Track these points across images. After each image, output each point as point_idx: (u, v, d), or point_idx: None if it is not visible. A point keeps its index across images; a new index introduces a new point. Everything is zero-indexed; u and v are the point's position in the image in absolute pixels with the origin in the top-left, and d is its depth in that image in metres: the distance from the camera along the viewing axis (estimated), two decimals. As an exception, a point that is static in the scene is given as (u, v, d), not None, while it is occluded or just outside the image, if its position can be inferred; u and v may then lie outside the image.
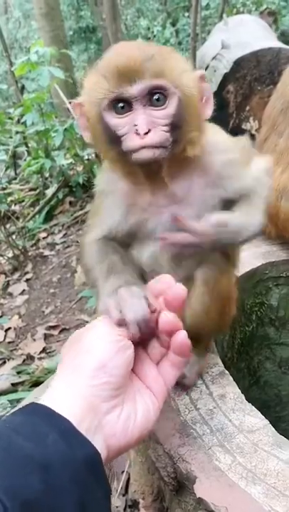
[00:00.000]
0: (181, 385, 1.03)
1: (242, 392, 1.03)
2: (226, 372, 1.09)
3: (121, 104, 0.85)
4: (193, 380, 1.04)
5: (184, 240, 0.91)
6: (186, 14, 10.66)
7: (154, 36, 9.45)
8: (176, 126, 0.85)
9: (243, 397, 1.02)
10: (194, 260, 1.00)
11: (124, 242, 1.01)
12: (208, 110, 0.92)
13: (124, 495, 1.73)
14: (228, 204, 0.98)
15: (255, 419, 0.96)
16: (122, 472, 1.73)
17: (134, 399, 0.79)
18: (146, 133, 0.83)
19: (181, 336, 0.80)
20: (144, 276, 1.01)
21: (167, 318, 0.79)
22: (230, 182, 0.97)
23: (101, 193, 1.03)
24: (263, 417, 0.97)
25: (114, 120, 0.85)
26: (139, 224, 0.99)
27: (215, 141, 0.97)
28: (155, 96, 0.84)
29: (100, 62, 0.88)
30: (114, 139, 0.85)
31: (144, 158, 0.84)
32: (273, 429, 0.94)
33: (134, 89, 0.83)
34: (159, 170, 0.90)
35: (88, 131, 0.92)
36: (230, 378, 1.07)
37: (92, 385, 0.73)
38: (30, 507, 0.59)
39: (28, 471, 0.62)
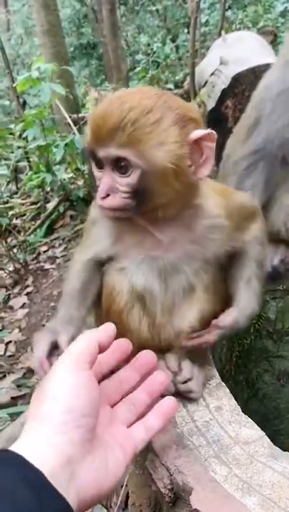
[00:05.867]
0: (189, 399, 1.04)
1: (241, 405, 1.04)
2: (223, 384, 1.10)
3: (97, 160, 0.91)
4: (200, 392, 1.05)
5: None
6: (186, 30, 10.78)
7: (154, 52, 9.54)
8: (139, 194, 0.88)
9: (240, 409, 1.02)
10: (185, 275, 1.03)
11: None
12: (204, 170, 0.91)
13: (123, 509, 1.72)
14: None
15: (251, 430, 0.97)
16: (122, 486, 1.73)
17: (105, 450, 0.78)
18: (105, 197, 0.89)
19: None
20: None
21: None
22: (212, 245, 1.01)
23: (92, 220, 1.07)
24: (259, 428, 0.98)
25: (95, 171, 0.94)
26: (127, 251, 1.03)
27: (203, 204, 0.98)
28: (120, 163, 0.87)
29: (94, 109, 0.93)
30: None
31: (103, 216, 0.95)
32: (269, 440, 0.95)
33: (102, 153, 0.89)
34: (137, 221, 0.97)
35: None
36: (227, 390, 1.08)
37: (63, 432, 0.71)
38: None
39: None
